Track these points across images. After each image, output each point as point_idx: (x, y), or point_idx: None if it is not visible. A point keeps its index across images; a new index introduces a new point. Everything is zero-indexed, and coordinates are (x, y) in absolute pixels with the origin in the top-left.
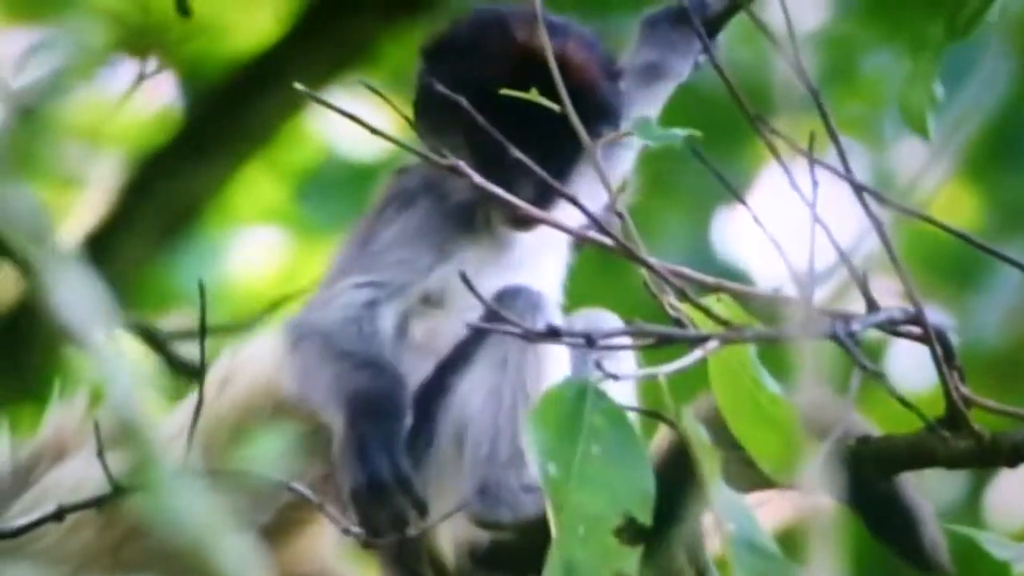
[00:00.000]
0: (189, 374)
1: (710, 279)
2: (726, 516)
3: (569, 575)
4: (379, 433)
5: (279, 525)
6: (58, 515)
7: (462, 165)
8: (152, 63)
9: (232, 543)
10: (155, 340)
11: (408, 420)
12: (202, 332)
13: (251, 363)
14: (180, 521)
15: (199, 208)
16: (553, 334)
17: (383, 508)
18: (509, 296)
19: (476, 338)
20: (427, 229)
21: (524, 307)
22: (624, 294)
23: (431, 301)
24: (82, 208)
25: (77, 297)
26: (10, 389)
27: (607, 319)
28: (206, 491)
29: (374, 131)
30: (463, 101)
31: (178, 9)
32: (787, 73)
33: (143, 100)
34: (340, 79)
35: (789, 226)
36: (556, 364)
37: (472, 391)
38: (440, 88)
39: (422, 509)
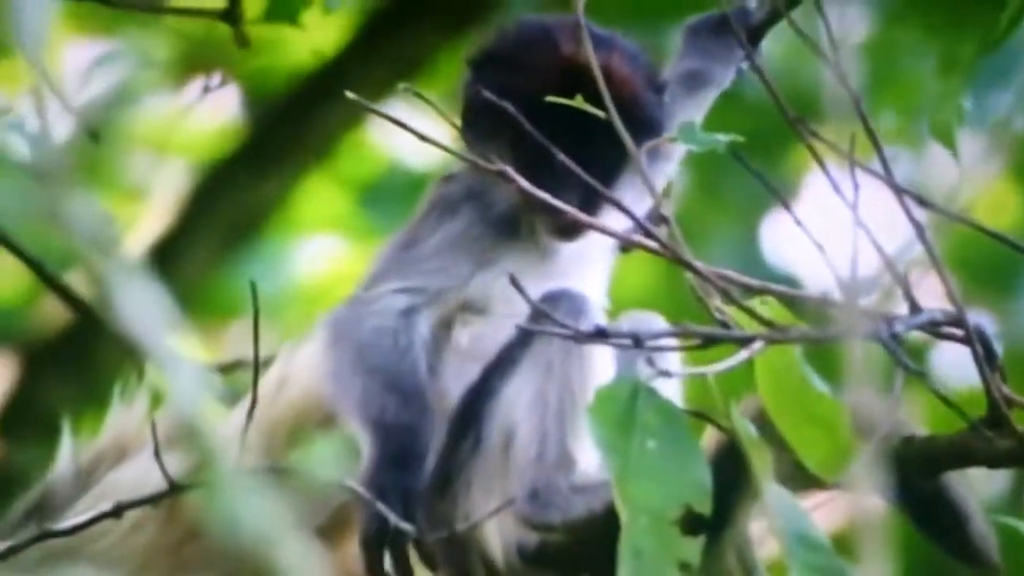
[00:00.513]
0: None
1: (755, 282)
2: (778, 513)
3: (638, 563)
4: (396, 485)
5: (334, 526)
6: (116, 512)
7: (510, 171)
8: (215, 76)
9: (290, 544)
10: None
11: (429, 458)
12: (255, 335)
13: (307, 365)
14: (238, 522)
15: (263, 218)
16: (600, 335)
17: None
18: (553, 300)
19: (521, 341)
20: (469, 237)
21: (568, 310)
22: (668, 301)
23: (473, 308)
24: (148, 217)
25: (140, 305)
26: (73, 392)
27: (654, 321)
28: (264, 492)
29: (423, 138)
30: (509, 107)
31: (236, 42)
32: (830, 79)
33: (207, 112)
34: (399, 91)
35: (833, 230)
36: (601, 367)
37: (518, 394)
38: (488, 96)
39: (431, 564)
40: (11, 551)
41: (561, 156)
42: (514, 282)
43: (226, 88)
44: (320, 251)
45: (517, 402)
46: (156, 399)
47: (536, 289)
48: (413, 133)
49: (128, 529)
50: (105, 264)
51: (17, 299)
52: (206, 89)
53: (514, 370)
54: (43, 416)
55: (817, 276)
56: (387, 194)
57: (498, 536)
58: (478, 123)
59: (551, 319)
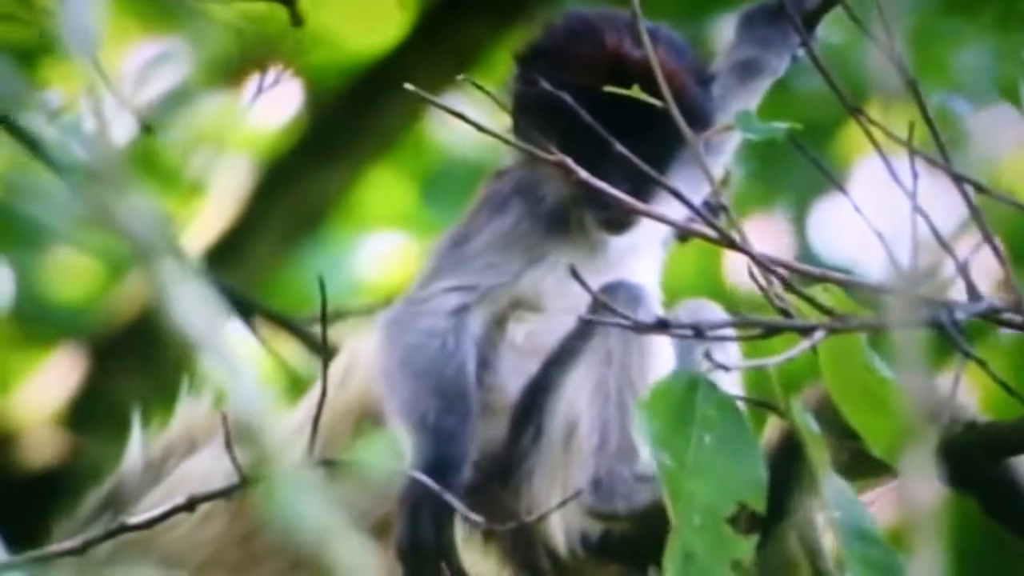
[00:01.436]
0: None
1: (815, 270)
2: (836, 506)
3: (687, 564)
4: (433, 497)
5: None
6: (189, 505)
7: (569, 161)
8: (273, 73)
9: (344, 539)
10: (290, 326)
11: (468, 466)
12: (323, 326)
13: (372, 355)
14: (295, 518)
15: (326, 212)
16: (661, 325)
17: (422, 570)
18: (611, 291)
19: (581, 333)
20: (519, 233)
21: (627, 301)
22: (704, 289)
23: (527, 304)
24: (211, 213)
25: (195, 303)
26: (141, 386)
27: (711, 310)
28: (320, 488)
29: (481, 129)
30: (567, 98)
31: (292, 20)
32: (882, 66)
33: (268, 108)
34: (458, 84)
35: (887, 217)
36: (660, 357)
37: (579, 386)
38: (537, 90)
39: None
40: (88, 544)
41: (619, 146)
42: (574, 273)
43: (287, 84)
44: (382, 246)
45: (578, 394)
46: (223, 392)
47: (589, 282)
48: (472, 124)
49: (198, 521)
50: (160, 263)
51: (85, 295)
52: (262, 86)
53: (574, 362)
54: (112, 410)
55: (864, 264)
56: (448, 187)
57: (562, 527)
58: (526, 118)
59: (612, 310)
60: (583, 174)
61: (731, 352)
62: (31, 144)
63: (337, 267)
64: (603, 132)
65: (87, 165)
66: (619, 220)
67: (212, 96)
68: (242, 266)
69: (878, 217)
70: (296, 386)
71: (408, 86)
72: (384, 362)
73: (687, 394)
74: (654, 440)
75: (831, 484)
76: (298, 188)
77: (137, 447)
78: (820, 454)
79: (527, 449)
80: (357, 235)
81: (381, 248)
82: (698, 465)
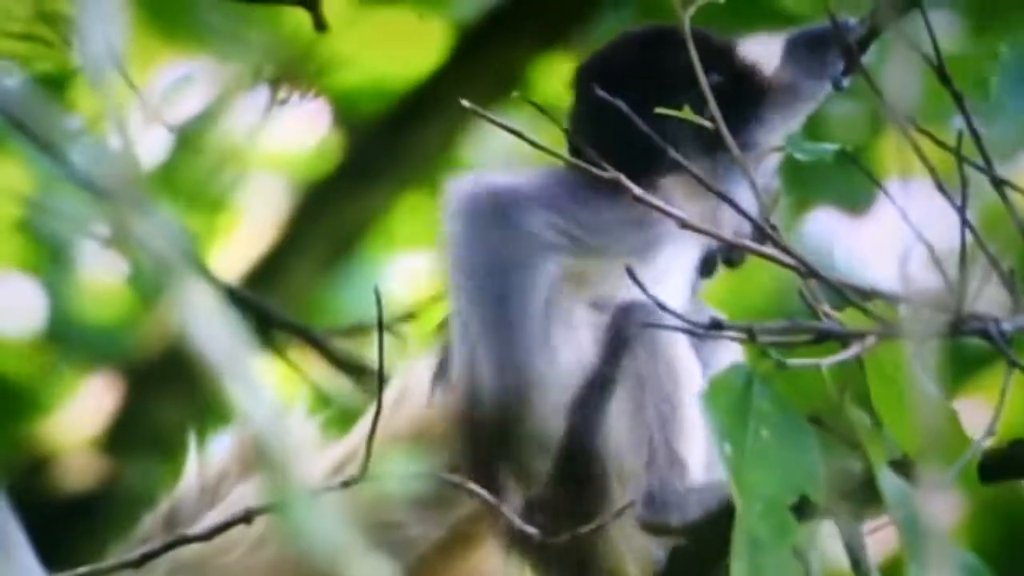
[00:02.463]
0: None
1: (864, 285)
2: (897, 504)
3: (753, 550)
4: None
5: (453, 540)
6: (247, 518)
7: (623, 178)
8: (299, 92)
9: (368, 562)
10: (321, 345)
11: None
12: (380, 341)
13: (424, 381)
14: (314, 542)
15: (363, 235)
16: (716, 327)
17: None
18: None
19: (612, 357)
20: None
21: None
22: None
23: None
24: (247, 235)
25: (218, 323)
26: (180, 410)
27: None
28: (340, 513)
29: (538, 147)
30: (623, 106)
31: (315, 26)
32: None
33: (295, 128)
34: (495, 106)
35: (930, 233)
36: (687, 367)
37: (619, 412)
38: (603, 101)
39: None
40: (147, 557)
41: (678, 157)
42: (631, 274)
43: (313, 104)
44: (412, 265)
45: (620, 420)
46: (243, 416)
47: (632, 293)
48: (529, 142)
49: (252, 544)
50: (181, 284)
51: (120, 317)
52: (284, 104)
53: (610, 391)
54: (150, 434)
55: (895, 280)
56: None
57: (628, 553)
58: (584, 138)
59: (667, 310)
60: (637, 191)
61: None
62: (58, 164)
63: (368, 288)
64: (660, 141)
65: (107, 184)
66: (738, 258)
67: (239, 116)
68: (280, 289)
69: (915, 234)
70: (321, 404)
71: (465, 103)
72: (457, 254)
73: (744, 389)
74: (717, 431)
75: (889, 480)
76: (336, 211)
77: (193, 470)
78: (877, 451)
79: (578, 476)
80: (387, 255)
81: (411, 268)
82: (757, 457)
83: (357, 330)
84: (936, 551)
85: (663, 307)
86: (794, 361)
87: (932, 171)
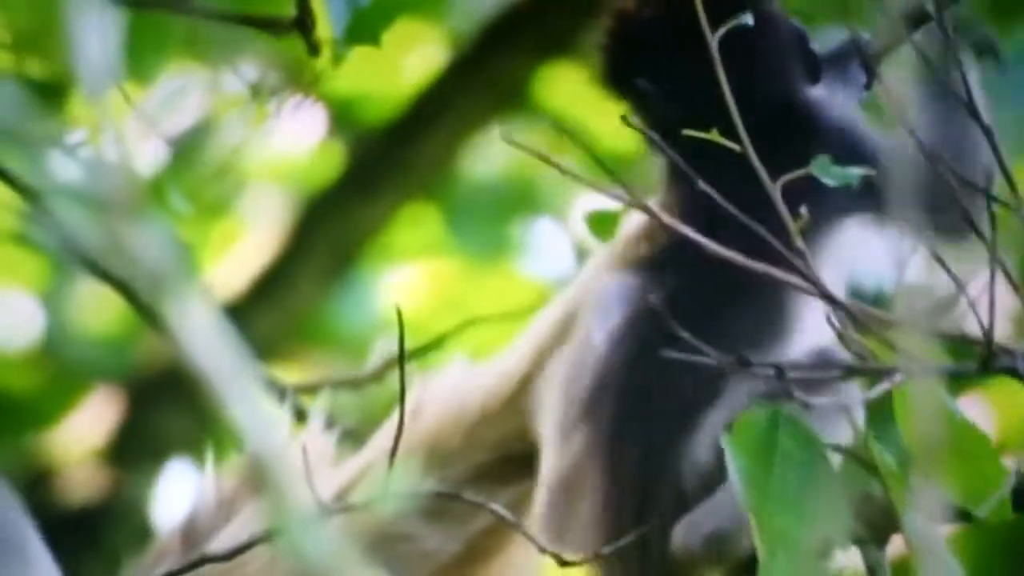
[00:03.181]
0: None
1: (893, 315)
2: (920, 546)
3: None
4: None
5: (470, 554)
6: (268, 538)
7: (650, 206)
8: (296, 101)
9: None
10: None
11: None
12: (401, 359)
13: (439, 395)
14: (310, 562)
15: (364, 247)
16: (743, 363)
17: None
18: None
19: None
20: None
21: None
22: None
23: None
24: (250, 245)
25: (211, 339)
26: (183, 422)
27: None
28: (337, 531)
29: (559, 168)
30: (654, 136)
31: (309, 51)
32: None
33: (296, 138)
34: (496, 118)
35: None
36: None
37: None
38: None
39: None
40: None
41: (705, 188)
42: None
43: (313, 113)
44: (418, 276)
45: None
46: (297, 424)
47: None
48: (551, 163)
49: (270, 558)
50: (175, 297)
51: (122, 332)
52: (280, 111)
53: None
54: (152, 447)
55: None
56: (475, 214)
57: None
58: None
59: (699, 347)
60: (665, 219)
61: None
62: (55, 176)
63: (365, 299)
64: (688, 170)
65: (104, 196)
66: None
67: (237, 126)
68: (281, 300)
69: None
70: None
71: (510, 140)
72: None
73: (769, 428)
74: (742, 476)
75: (913, 524)
76: (337, 221)
77: (209, 483)
78: (901, 493)
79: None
80: (392, 268)
81: (407, 279)
82: (781, 500)
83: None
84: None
85: (688, 340)
86: (820, 401)
87: (960, 206)
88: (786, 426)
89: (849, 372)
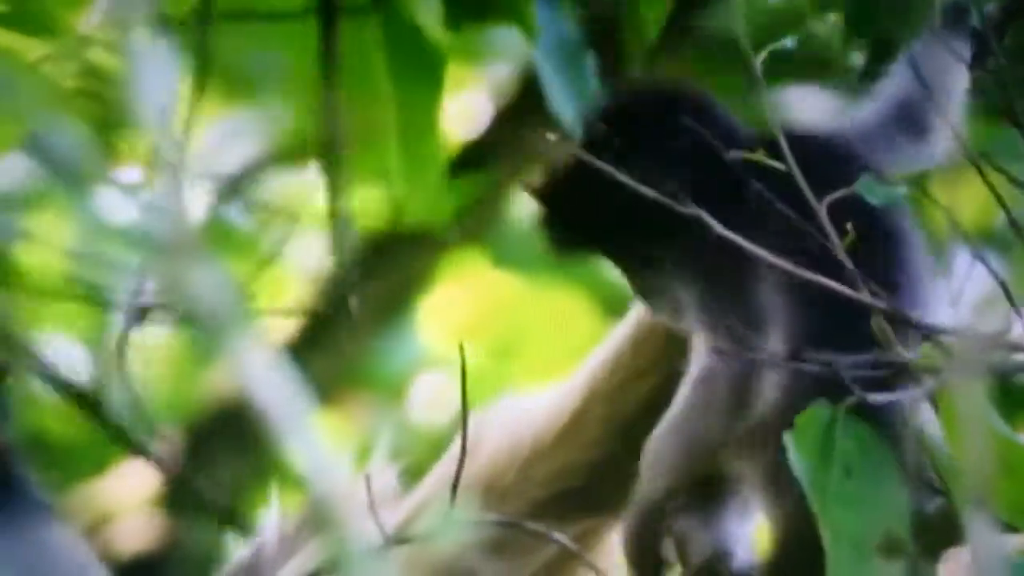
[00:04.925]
0: None
1: (937, 324)
2: (980, 548)
3: None
4: None
5: None
6: (329, 570)
7: (703, 214)
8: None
9: None
10: None
11: None
12: (463, 394)
13: (492, 431)
14: None
15: (413, 289)
16: (796, 357)
17: None
18: None
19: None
20: None
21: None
22: None
23: None
24: (298, 290)
25: (270, 378)
26: (237, 467)
27: None
28: (401, 569)
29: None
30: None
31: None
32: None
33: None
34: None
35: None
36: None
37: None
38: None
39: None
40: None
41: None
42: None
43: None
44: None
45: None
46: (361, 460)
47: None
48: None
49: None
50: (235, 340)
51: (173, 374)
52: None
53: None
54: (206, 494)
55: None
56: (517, 245)
57: None
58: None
59: (747, 342)
60: (719, 228)
61: None
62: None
63: (409, 337)
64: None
65: (159, 239)
66: None
67: (288, 170)
68: (332, 344)
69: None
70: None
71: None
72: None
73: (828, 427)
74: (803, 472)
75: (976, 525)
76: (386, 265)
77: (273, 521)
78: (963, 496)
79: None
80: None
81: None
82: (843, 497)
83: None
84: None
85: (741, 336)
86: (876, 397)
87: (1006, 208)
88: (844, 424)
89: (900, 370)
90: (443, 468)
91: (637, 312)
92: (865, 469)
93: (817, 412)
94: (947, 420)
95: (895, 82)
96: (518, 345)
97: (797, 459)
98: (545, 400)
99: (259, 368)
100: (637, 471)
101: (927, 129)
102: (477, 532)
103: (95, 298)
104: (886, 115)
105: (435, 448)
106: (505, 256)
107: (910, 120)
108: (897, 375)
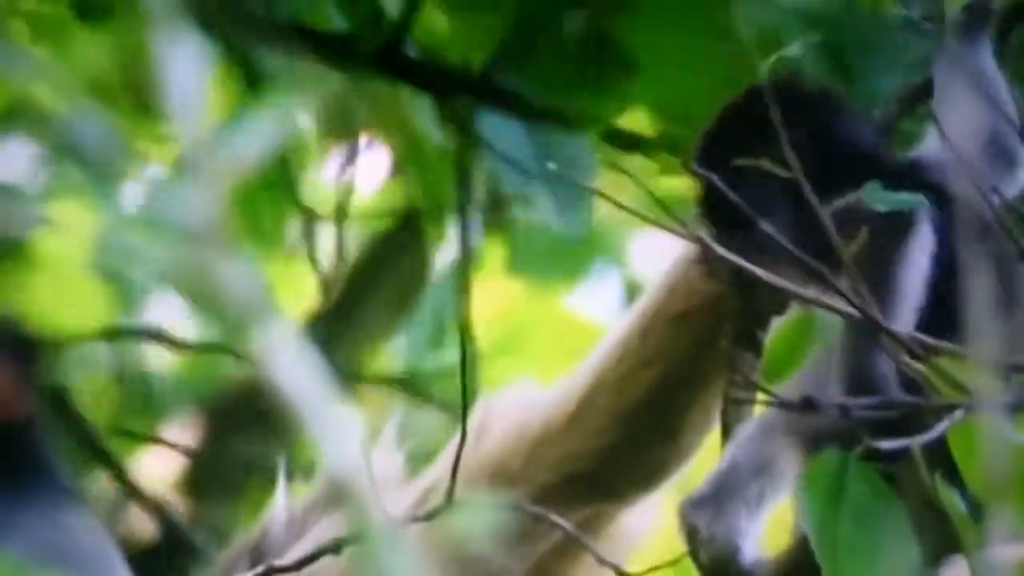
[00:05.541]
0: None
1: (948, 345)
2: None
3: None
4: None
5: (538, 574)
6: (336, 548)
7: (705, 237)
8: (365, 140)
9: None
10: None
11: None
12: (463, 381)
13: (501, 415)
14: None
15: (426, 281)
16: (808, 405)
17: None
18: None
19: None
20: None
21: None
22: None
23: None
24: (313, 284)
25: (295, 368)
26: (259, 450)
27: None
28: (424, 549)
29: (621, 206)
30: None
31: None
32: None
33: (361, 175)
34: None
35: None
36: None
37: None
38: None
39: None
40: None
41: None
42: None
43: (376, 150)
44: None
45: None
46: (369, 444)
47: None
48: (623, 208)
49: (342, 572)
50: (262, 326)
51: (196, 363)
52: (352, 156)
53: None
54: (229, 476)
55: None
56: (533, 252)
57: None
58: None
59: (760, 387)
60: (721, 250)
61: None
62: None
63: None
64: (740, 202)
65: (187, 228)
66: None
67: (307, 163)
68: (349, 337)
69: None
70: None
71: (604, 194)
72: None
73: (839, 473)
74: (810, 520)
75: (984, 566)
76: (401, 259)
77: (281, 500)
78: (971, 536)
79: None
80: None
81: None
82: (851, 545)
83: None
84: None
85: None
86: (887, 444)
87: (1012, 237)
88: (855, 470)
89: (912, 410)
90: (451, 453)
91: (645, 301)
92: (875, 517)
93: (828, 457)
94: (960, 446)
95: (980, 114)
96: (522, 344)
97: (806, 506)
98: (553, 386)
99: (285, 356)
100: (645, 458)
101: (1017, 162)
102: (494, 516)
103: (120, 286)
104: (976, 147)
105: (445, 433)
106: (518, 252)
107: (999, 151)
108: (911, 419)
